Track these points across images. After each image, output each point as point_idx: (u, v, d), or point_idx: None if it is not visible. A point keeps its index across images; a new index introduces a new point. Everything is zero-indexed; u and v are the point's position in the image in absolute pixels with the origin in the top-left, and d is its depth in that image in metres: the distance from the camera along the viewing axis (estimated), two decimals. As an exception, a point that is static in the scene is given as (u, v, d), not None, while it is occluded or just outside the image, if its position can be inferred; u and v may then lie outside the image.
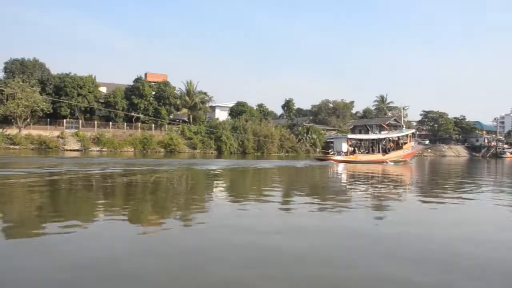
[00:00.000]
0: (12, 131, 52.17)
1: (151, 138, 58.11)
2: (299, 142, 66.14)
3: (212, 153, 59.76)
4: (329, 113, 75.54)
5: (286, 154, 64.63)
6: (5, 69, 53.97)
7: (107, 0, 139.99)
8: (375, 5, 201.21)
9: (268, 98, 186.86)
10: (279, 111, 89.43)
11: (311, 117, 77.69)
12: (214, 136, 61.59)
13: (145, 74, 76.00)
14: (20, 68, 52.70)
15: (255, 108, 77.46)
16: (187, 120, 67.83)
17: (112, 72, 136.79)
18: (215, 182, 17.07)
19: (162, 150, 57.76)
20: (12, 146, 49.94)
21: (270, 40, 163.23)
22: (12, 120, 51.74)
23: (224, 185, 16.05)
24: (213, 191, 13.66)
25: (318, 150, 60.55)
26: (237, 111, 72.33)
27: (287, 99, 78.99)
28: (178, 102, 64.49)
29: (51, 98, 51.31)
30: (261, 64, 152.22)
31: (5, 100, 49.92)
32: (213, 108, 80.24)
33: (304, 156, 59.29)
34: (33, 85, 51.59)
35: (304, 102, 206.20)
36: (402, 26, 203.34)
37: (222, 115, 77.18)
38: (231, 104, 77.13)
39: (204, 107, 68.04)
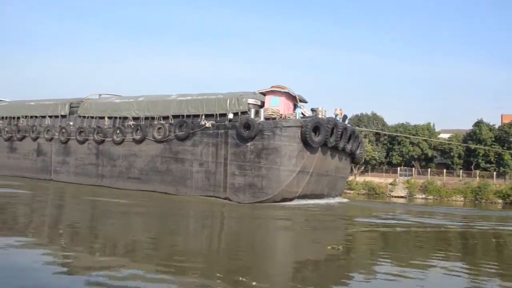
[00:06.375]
0: (352, 178, 59.39)
1: (485, 187, 52.26)
2: None
3: None
4: None
5: None
6: (346, 124, 62.44)
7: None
8: None
9: None
10: None
11: None
12: None
13: (501, 116, 69.29)
14: (356, 122, 59.77)
15: None
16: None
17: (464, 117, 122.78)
18: None
19: (500, 201, 50.84)
20: (348, 191, 56.90)
21: None
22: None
23: None
24: None
25: None
26: None
27: None
28: (526, 145, 55.28)
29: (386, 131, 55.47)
30: None
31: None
32: None
33: None
34: (365, 136, 57.26)
35: None
36: None
37: None
38: None
39: None
